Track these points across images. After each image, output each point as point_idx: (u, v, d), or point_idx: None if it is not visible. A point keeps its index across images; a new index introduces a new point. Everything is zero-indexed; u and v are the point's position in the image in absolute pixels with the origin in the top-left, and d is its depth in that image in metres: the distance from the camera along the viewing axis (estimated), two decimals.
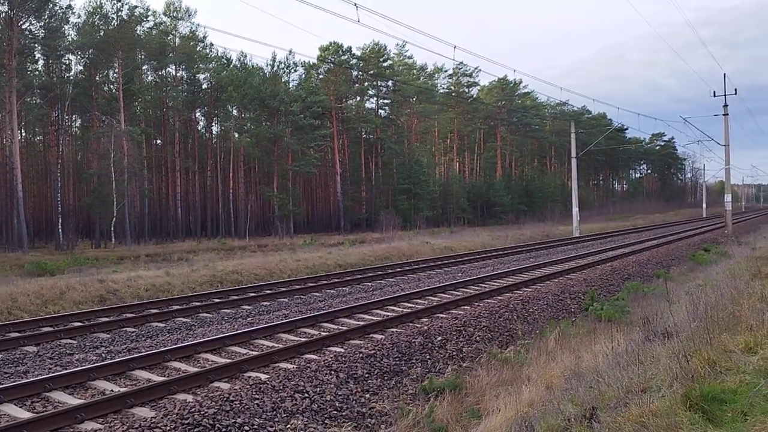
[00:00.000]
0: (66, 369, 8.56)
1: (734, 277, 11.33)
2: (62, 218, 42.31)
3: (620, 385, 5.33)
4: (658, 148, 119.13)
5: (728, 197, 37.39)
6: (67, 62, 47.24)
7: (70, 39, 45.53)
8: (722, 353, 5.72)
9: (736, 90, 36.63)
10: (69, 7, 44.38)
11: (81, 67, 48.98)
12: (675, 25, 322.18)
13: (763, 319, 6.85)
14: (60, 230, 41.82)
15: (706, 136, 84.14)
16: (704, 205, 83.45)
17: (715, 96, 36.44)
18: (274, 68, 57.52)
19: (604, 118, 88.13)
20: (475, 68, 74.84)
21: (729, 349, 5.85)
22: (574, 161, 43.33)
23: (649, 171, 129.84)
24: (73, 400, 7.34)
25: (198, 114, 60.00)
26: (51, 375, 8.02)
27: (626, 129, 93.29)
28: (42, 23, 42.67)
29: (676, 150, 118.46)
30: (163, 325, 11.96)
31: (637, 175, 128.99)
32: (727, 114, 36.22)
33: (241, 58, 58.32)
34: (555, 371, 7.83)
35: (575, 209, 41.51)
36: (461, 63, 75.85)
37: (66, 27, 45.02)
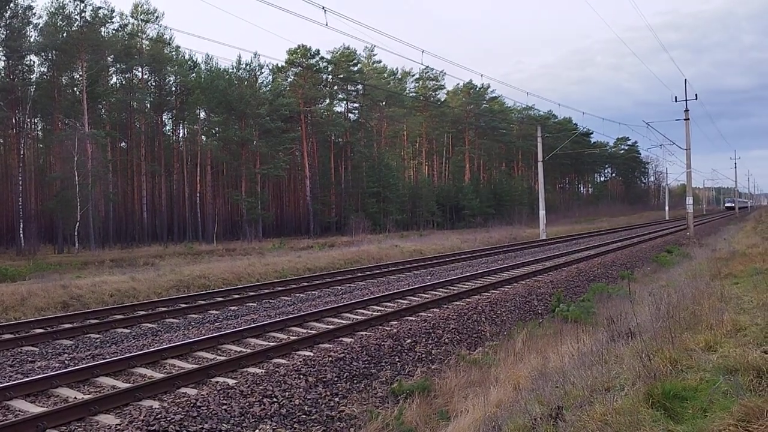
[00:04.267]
0: (28, 377, 8.36)
1: (695, 278, 11.59)
2: (23, 222, 41.26)
3: (585, 385, 5.42)
4: (622, 152, 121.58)
5: (690, 200, 38.26)
6: (30, 64, 46.19)
7: (32, 40, 44.53)
8: (683, 352, 5.85)
9: (696, 95, 37.50)
10: (29, 7, 43.48)
11: (44, 69, 47.96)
12: (641, 29, 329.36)
13: (723, 318, 7.03)
14: (21, 235, 40.78)
15: (668, 140, 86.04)
16: (667, 208, 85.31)
17: (676, 101, 37.26)
18: (240, 71, 57.07)
19: (569, 123, 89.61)
20: (441, 71, 75.53)
21: (690, 347, 5.99)
22: (540, 165, 43.88)
23: (613, 174, 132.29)
24: (34, 408, 7.18)
25: (165, 117, 59.20)
26: (12, 383, 7.83)
27: (591, 133, 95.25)
28: (2, 24, 41.65)
29: (640, 154, 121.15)
30: (129, 331, 11.77)
31: (602, 179, 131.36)
32: (689, 119, 37.08)
33: (208, 61, 57.79)
34: (522, 372, 7.91)
35: (542, 212, 42.02)
36: (428, 67, 76.36)
37: (28, 28, 44.05)
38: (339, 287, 17.55)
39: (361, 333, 11.07)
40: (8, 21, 41.84)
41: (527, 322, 12.47)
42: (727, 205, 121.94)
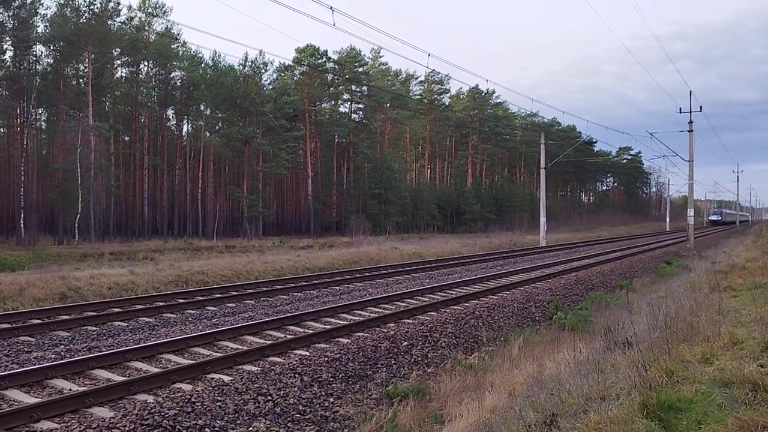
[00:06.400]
0: (23, 367, 8.37)
1: (694, 290, 11.58)
2: (24, 213, 41.22)
3: (580, 393, 5.41)
4: (624, 161, 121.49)
5: (691, 212, 38.24)
6: (36, 54, 46.21)
7: (39, 30, 44.59)
8: (680, 363, 5.85)
9: (701, 107, 37.71)
10: None
11: (50, 60, 47.98)
12: (648, 38, 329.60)
13: (720, 330, 7.03)
14: (21, 225, 40.77)
15: (671, 151, 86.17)
16: (668, 219, 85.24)
17: (681, 112, 37.28)
18: (246, 68, 57.08)
19: (573, 131, 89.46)
20: (446, 75, 75.46)
21: (686, 359, 5.99)
22: (543, 172, 43.86)
23: (615, 184, 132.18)
24: (29, 399, 7.18)
25: (170, 112, 59.25)
26: (7, 372, 7.84)
27: (595, 142, 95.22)
28: (11, 13, 41.71)
29: (642, 164, 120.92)
30: (126, 324, 11.77)
31: (604, 188, 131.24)
32: (692, 131, 37.07)
33: (215, 57, 57.79)
34: (518, 378, 7.91)
35: (543, 219, 41.99)
36: (433, 70, 76.45)
37: (35, 18, 44.10)
38: (337, 288, 17.55)
39: (358, 334, 11.06)
40: (16, 11, 41.89)
41: (524, 328, 12.46)
42: (712, 218, 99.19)
